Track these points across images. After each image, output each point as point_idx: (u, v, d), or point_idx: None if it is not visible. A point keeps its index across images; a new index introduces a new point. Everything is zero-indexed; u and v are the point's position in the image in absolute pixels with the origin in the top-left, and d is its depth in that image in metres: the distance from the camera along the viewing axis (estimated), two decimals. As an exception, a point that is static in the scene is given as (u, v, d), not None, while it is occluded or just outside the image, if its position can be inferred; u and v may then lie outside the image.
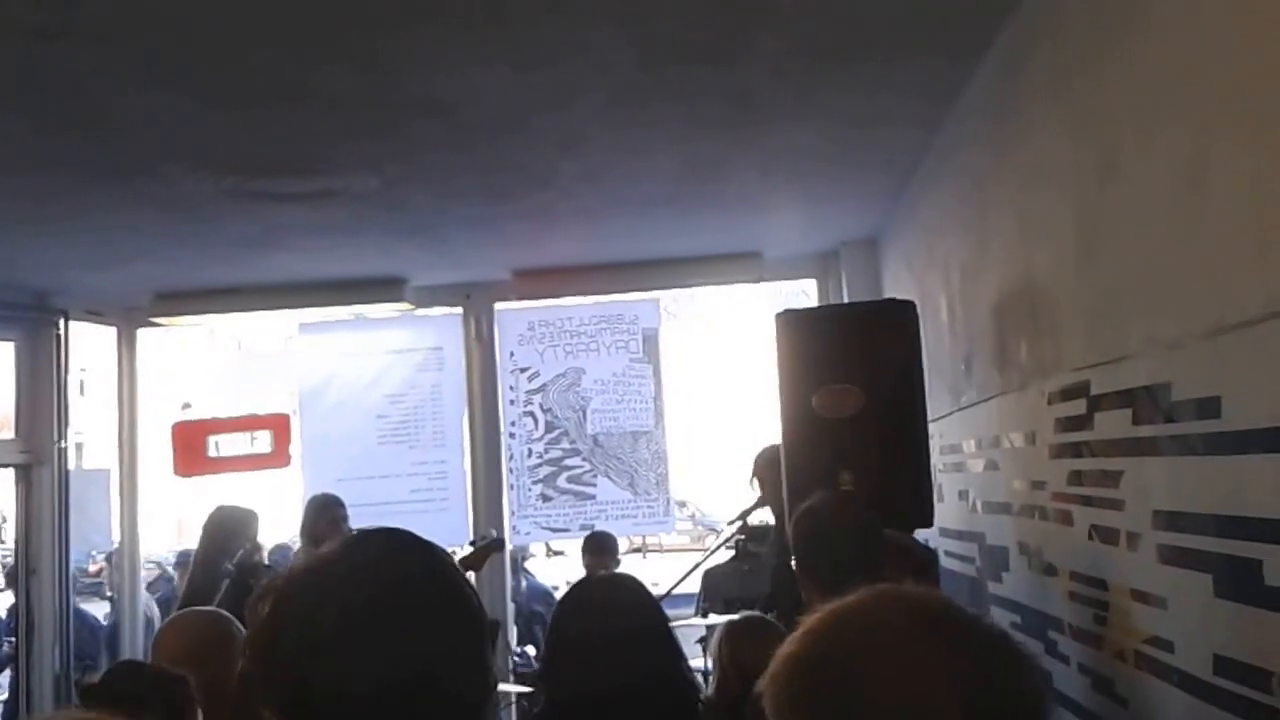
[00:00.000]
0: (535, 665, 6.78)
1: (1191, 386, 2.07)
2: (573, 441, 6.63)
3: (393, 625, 1.23)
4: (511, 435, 6.65)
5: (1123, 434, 2.41)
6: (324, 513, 5.66)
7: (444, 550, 1.35)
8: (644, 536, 18.13)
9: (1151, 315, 2.29)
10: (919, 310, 3.89)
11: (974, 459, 3.90)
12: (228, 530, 5.15)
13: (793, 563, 3.05)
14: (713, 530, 18.17)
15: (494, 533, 6.22)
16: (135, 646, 6.60)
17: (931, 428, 3.98)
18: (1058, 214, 2.84)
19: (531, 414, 6.64)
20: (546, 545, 15.77)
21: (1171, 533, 2.18)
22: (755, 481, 5.20)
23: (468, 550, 5.40)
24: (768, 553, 5.09)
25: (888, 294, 5.51)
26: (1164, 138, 2.18)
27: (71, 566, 6.21)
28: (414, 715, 1.22)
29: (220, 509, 5.37)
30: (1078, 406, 2.69)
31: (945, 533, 4.19)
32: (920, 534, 3.93)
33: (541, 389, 6.65)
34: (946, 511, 4.10)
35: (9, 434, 6.20)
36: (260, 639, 1.27)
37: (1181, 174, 2.10)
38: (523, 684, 5.98)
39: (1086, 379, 2.64)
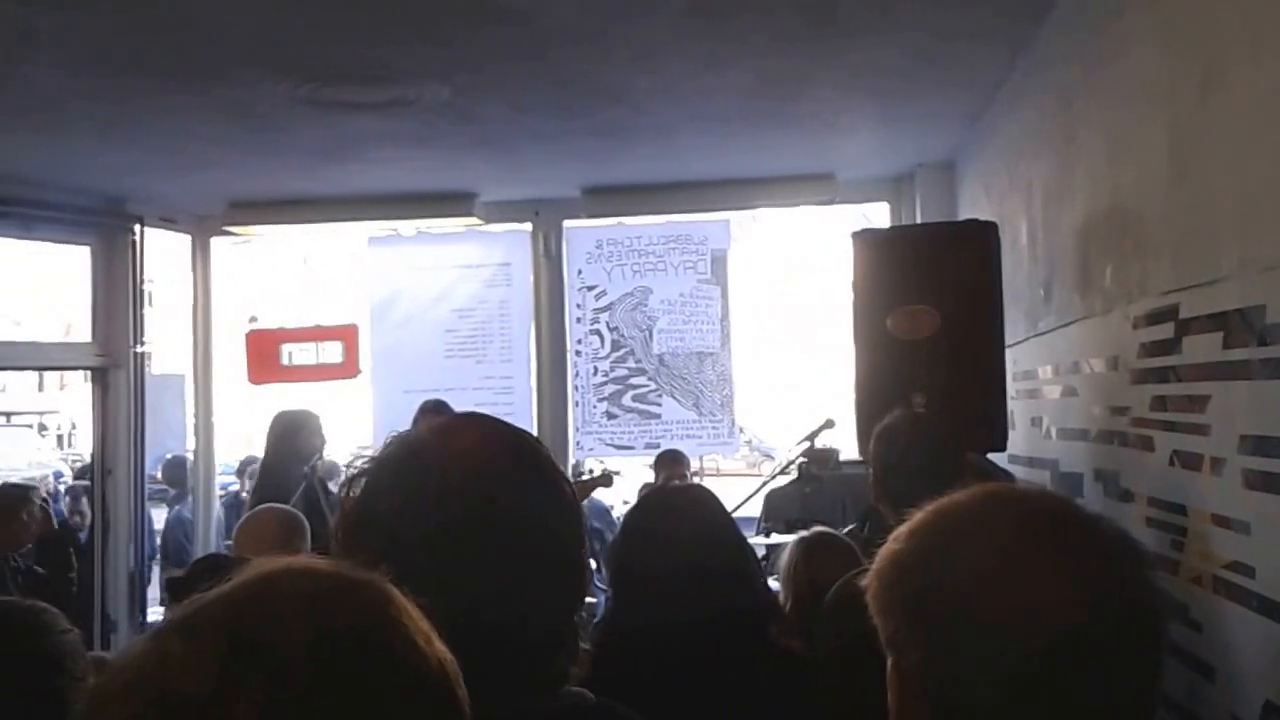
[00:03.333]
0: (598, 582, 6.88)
1: (1287, 309, 2.01)
2: (638, 361, 6.63)
3: (481, 552, 1.21)
4: (578, 353, 6.66)
5: (1212, 358, 2.35)
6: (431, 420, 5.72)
7: (546, 454, 1.32)
8: (701, 460, 18.21)
9: (1247, 237, 2.22)
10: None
11: (1050, 385, 3.84)
12: (296, 432, 5.24)
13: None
14: (769, 457, 18.19)
15: (603, 466, 6.31)
16: (209, 548, 6.76)
17: (1006, 354, 3.92)
18: (1150, 132, 2.75)
19: (598, 332, 6.65)
20: (604, 468, 15.88)
21: (1259, 457, 2.13)
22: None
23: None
24: (831, 471, 5.10)
25: (966, 218, 5.41)
26: (1264, 52, 2.10)
27: (147, 469, 6.34)
28: (505, 622, 1.20)
29: (285, 413, 5.46)
30: (1165, 330, 2.63)
31: (1015, 459, 4.14)
32: (992, 459, 3.89)
33: (608, 307, 6.64)
34: (1018, 439, 4.05)
35: (77, 336, 6.31)
36: (348, 529, 1.26)
37: (1280, 90, 2.02)
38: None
39: (1175, 302, 2.57)
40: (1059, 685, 0.99)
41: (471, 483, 1.23)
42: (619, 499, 9.08)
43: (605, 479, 6.16)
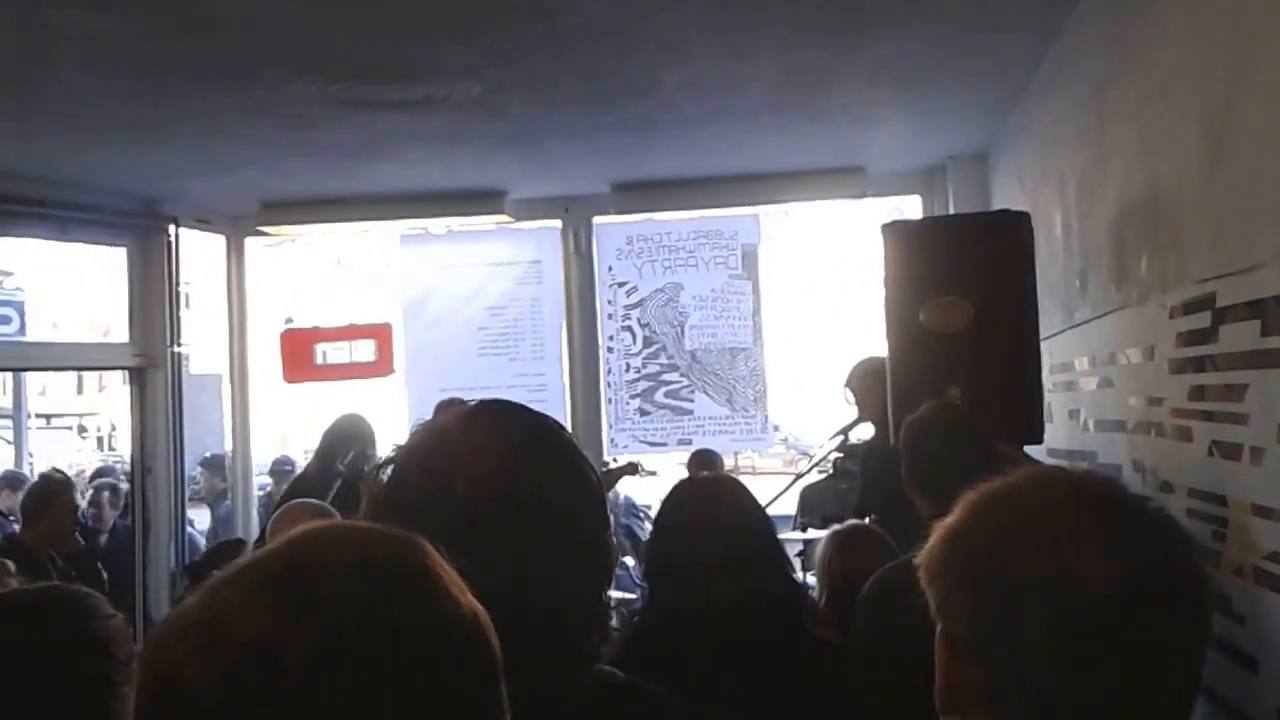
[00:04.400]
0: (633, 575, 6.88)
1: (1327, 295, 1.98)
2: (670, 357, 6.62)
3: (509, 542, 1.22)
4: (609, 350, 6.66)
5: (1250, 346, 2.32)
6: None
7: (569, 439, 1.33)
8: (736, 458, 18.17)
9: (1284, 223, 2.19)
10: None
11: (1086, 377, 3.80)
12: (344, 435, 5.26)
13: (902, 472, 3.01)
14: (806, 454, 18.13)
15: (629, 458, 6.33)
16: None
17: (1042, 347, 3.88)
18: (1184, 119, 2.72)
19: (629, 329, 6.64)
20: (640, 466, 15.88)
21: (1299, 447, 2.11)
22: (849, 394, 5.16)
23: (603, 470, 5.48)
24: (860, 469, 5.07)
25: (999, 209, 5.37)
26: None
27: (186, 469, 6.38)
28: (536, 603, 1.21)
29: (342, 416, 5.48)
30: (1202, 319, 2.60)
31: (1054, 453, 4.11)
32: (1029, 452, 3.85)
33: (639, 304, 6.64)
34: (1056, 431, 4.02)
35: (111, 338, 6.37)
36: (378, 506, 1.27)
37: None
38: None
39: (1212, 290, 2.54)
40: (1099, 650, 1.01)
41: (497, 470, 1.25)
42: (655, 497, 9.09)
43: (631, 468, 6.15)
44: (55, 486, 5.38)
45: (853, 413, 5.23)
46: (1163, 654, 1.03)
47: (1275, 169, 2.22)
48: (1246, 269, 2.35)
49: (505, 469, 1.26)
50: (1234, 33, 2.41)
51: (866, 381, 5.05)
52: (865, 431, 5.91)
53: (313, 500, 3.34)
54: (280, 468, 8.95)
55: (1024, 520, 1.07)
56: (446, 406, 5.28)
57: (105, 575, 5.93)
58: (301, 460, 8.78)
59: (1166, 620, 1.03)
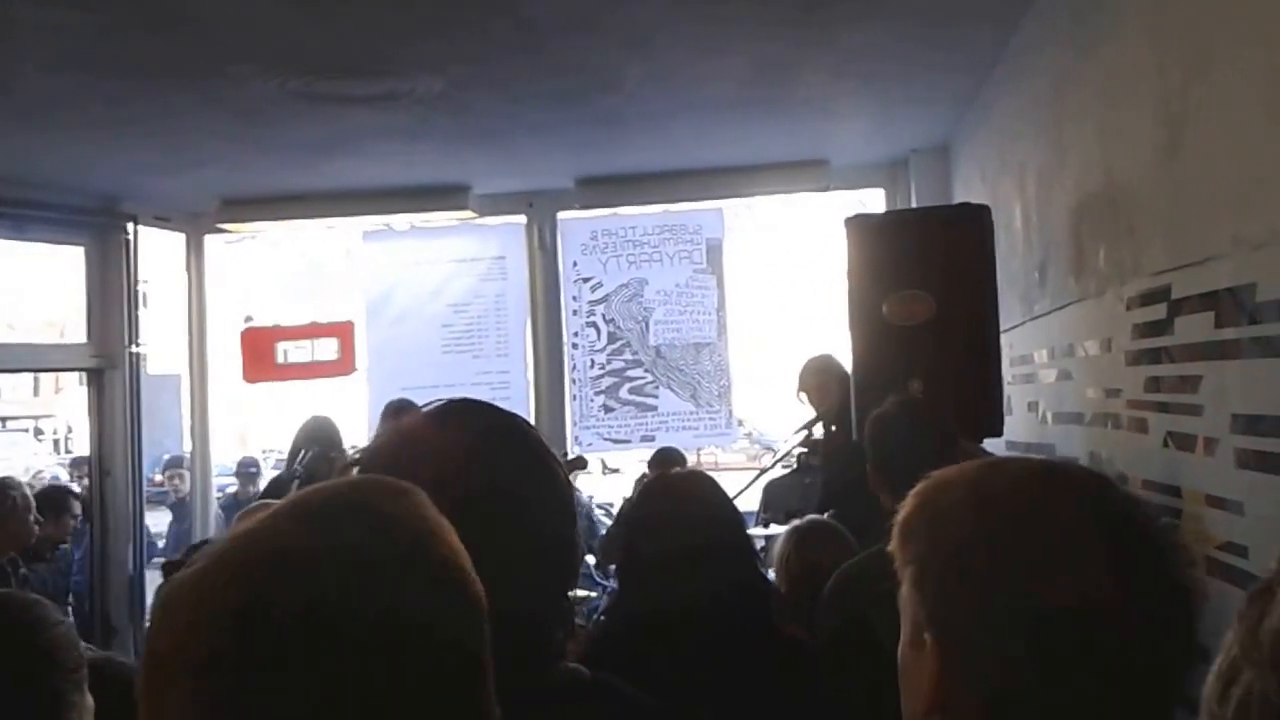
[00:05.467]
0: (595, 575, 6.88)
1: (1277, 287, 2.01)
2: (635, 353, 6.62)
3: (479, 534, 1.21)
4: (574, 346, 6.65)
5: (1204, 337, 2.35)
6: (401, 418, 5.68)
7: (537, 436, 1.32)
8: (699, 454, 18.20)
9: (1237, 216, 2.22)
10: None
11: (1045, 369, 3.84)
12: (308, 437, 5.23)
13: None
14: (770, 449, 18.19)
15: (577, 451, 6.30)
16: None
17: (1002, 338, 3.92)
18: (1141, 114, 2.75)
19: (594, 324, 6.64)
20: (602, 462, 15.88)
21: (1251, 436, 2.13)
22: (803, 395, 5.21)
23: None
24: (823, 465, 5.10)
25: (960, 202, 5.40)
26: (1253, 32, 2.10)
27: (145, 470, 6.32)
28: (496, 610, 1.21)
29: (309, 419, 5.45)
30: (1158, 311, 2.63)
31: (1013, 445, 4.14)
32: (988, 445, 3.89)
33: (604, 299, 6.63)
34: (1015, 424, 4.05)
35: (68, 338, 6.29)
36: None
37: (1270, 70, 2.02)
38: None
39: (1168, 283, 2.57)
40: (1075, 660, 0.99)
41: (466, 468, 1.23)
42: (618, 494, 9.08)
43: (579, 461, 6.13)
44: (9, 494, 5.29)
45: (805, 409, 5.27)
46: (1141, 670, 1.01)
47: (1230, 163, 2.25)
48: (1201, 261, 2.38)
49: (472, 464, 1.25)
50: (1191, 29, 2.44)
51: (820, 379, 5.12)
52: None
53: (273, 501, 3.31)
54: (245, 469, 8.87)
55: (1017, 522, 1.04)
56: (396, 409, 5.28)
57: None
58: (264, 461, 8.73)
59: (1147, 635, 1.00)
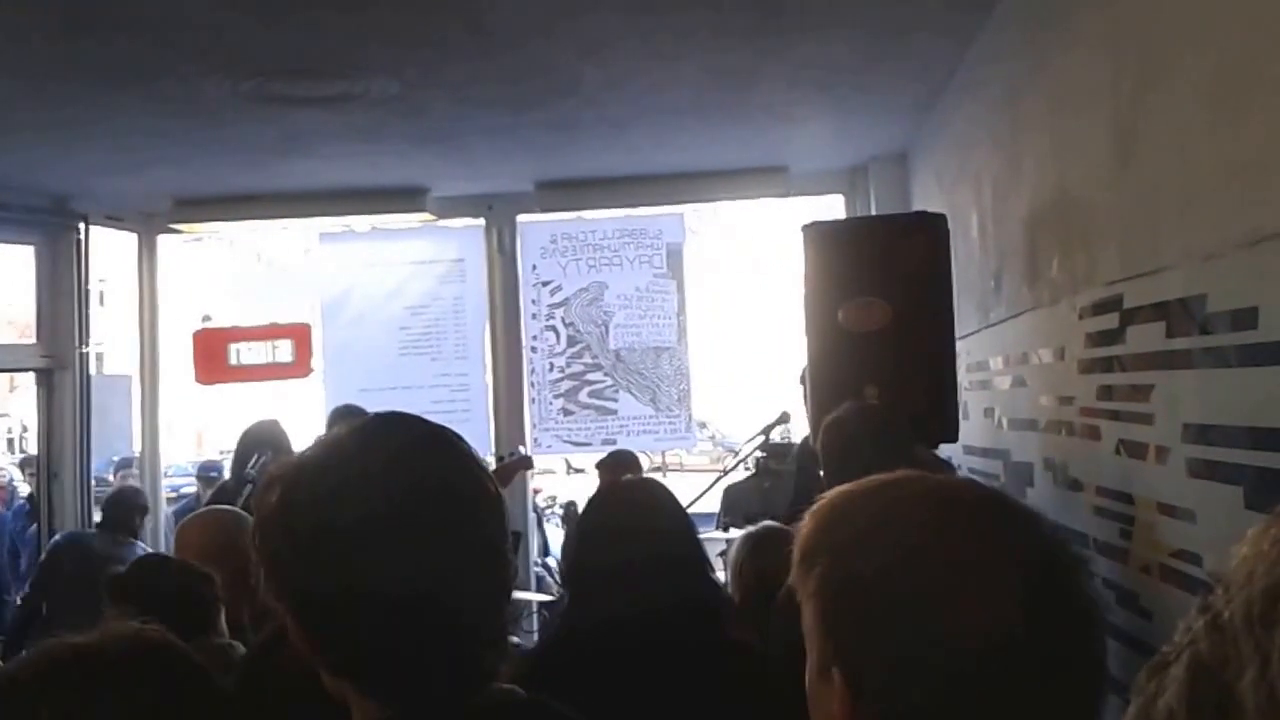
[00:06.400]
0: (554, 576, 6.85)
1: (1228, 297, 2.02)
2: (595, 356, 6.60)
3: (406, 532, 1.19)
4: (533, 349, 6.62)
5: (1155, 347, 2.37)
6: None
7: (463, 443, 1.30)
8: (664, 455, 18.20)
9: (1188, 227, 2.24)
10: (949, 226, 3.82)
11: (1001, 376, 3.86)
12: (256, 440, 5.17)
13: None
14: (732, 451, 18.21)
15: (521, 449, 6.26)
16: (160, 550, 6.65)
17: (958, 345, 3.93)
18: (1094, 126, 2.77)
19: (554, 328, 6.61)
20: (566, 462, 15.84)
21: (1202, 445, 2.15)
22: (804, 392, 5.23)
23: (494, 466, 5.40)
24: (790, 466, 5.10)
25: (917, 210, 5.42)
26: (1204, 46, 2.12)
27: (93, 472, 6.22)
28: (429, 617, 1.19)
29: (256, 422, 5.39)
30: (1110, 320, 2.65)
31: (970, 450, 4.16)
32: (944, 450, 3.90)
33: (564, 303, 6.61)
34: (971, 429, 4.07)
35: (30, 339, 6.20)
36: (268, 531, 1.22)
37: (1220, 83, 2.04)
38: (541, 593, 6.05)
39: (1120, 292, 2.58)
40: (986, 689, 0.96)
41: (392, 471, 1.21)
42: (584, 495, 9.05)
43: (525, 461, 6.09)
44: None
45: (776, 411, 5.29)
46: (1052, 697, 0.98)
47: (1180, 175, 2.27)
48: (1153, 271, 2.39)
49: (402, 466, 1.22)
50: (1143, 40, 2.46)
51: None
52: (788, 431, 5.96)
53: (222, 507, 3.27)
54: (206, 473, 8.74)
55: (917, 553, 1.00)
56: (344, 414, 5.22)
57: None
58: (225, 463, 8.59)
59: (1055, 664, 0.98)
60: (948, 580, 0.99)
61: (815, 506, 1.09)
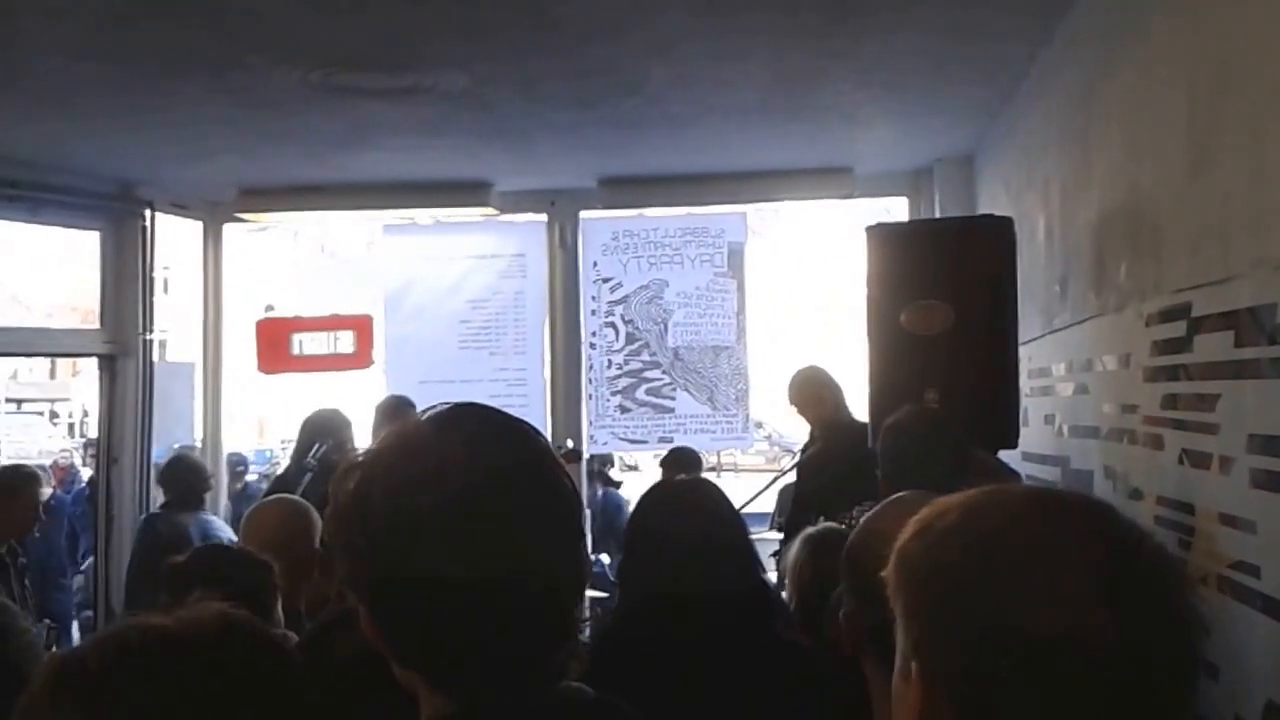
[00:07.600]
0: (609, 573, 6.87)
1: (1299, 308, 1.99)
2: (653, 354, 6.60)
3: (486, 519, 1.17)
4: (592, 345, 6.63)
5: (1223, 356, 2.34)
6: (397, 416, 5.64)
7: (539, 435, 1.28)
8: (719, 455, 18.16)
9: (1260, 235, 2.20)
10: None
11: (1063, 382, 3.81)
12: (317, 429, 5.23)
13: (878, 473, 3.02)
14: (789, 451, 18.15)
15: (570, 443, 6.27)
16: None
17: (1021, 351, 3.89)
18: (1168, 133, 2.74)
19: (613, 325, 6.62)
20: (620, 459, 15.85)
21: (1266, 456, 2.12)
22: (793, 407, 5.27)
23: None
24: (805, 472, 5.14)
25: (983, 213, 5.37)
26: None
27: (153, 459, 6.28)
28: (504, 609, 1.17)
29: (317, 411, 5.43)
30: (1177, 328, 2.61)
31: (1028, 457, 4.12)
32: (1003, 456, 3.86)
33: (624, 300, 6.61)
34: (1031, 436, 4.03)
35: (93, 324, 6.29)
36: (344, 520, 1.22)
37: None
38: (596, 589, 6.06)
39: (1188, 300, 2.55)
40: (1069, 683, 0.95)
41: (470, 460, 1.20)
42: (637, 491, 9.04)
43: (574, 453, 6.09)
44: (20, 480, 5.13)
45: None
46: (1133, 704, 0.96)
47: (1254, 184, 2.23)
48: (1222, 280, 2.36)
49: (479, 454, 1.21)
50: (1219, 47, 2.42)
51: (809, 389, 5.19)
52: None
53: (288, 496, 3.31)
54: (234, 468, 8.65)
55: (1009, 552, 0.99)
56: (393, 407, 5.21)
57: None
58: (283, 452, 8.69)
59: (1141, 669, 0.95)
60: (1032, 578, 0.97)
61: (920, 513, 1.07)
